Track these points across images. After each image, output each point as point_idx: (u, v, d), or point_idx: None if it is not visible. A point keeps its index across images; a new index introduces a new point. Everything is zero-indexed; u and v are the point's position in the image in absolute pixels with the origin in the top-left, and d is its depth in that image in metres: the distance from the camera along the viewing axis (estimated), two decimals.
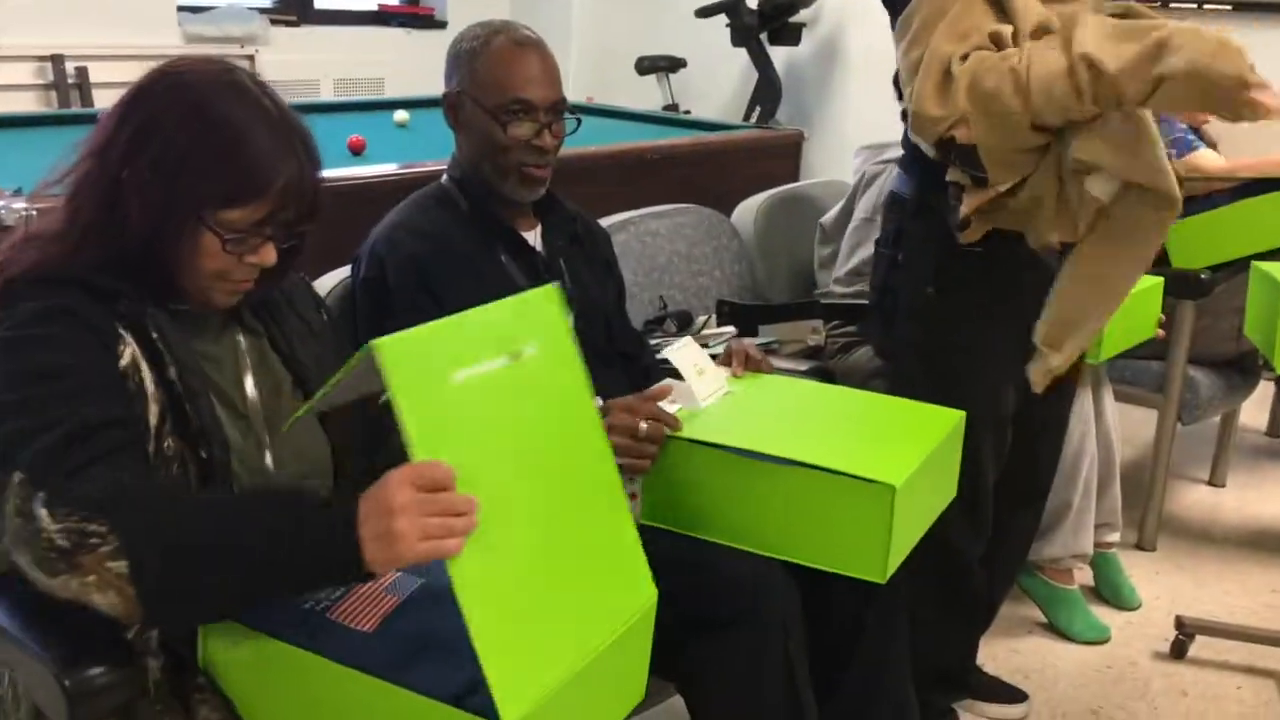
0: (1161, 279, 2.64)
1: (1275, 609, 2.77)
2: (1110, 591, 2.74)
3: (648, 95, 5.98)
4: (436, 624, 1.17)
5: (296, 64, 5.73)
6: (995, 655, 2.46)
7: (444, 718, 1.11)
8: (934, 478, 1.62)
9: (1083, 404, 2.50)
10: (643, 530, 1.60)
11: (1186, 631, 2.53)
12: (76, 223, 1.24)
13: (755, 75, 5.93)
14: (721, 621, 1.52)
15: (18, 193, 2.48)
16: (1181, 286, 2.78)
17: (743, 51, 5.93)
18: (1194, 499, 3.36)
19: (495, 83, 1.74)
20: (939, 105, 1.68)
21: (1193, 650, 2.53)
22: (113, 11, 5.10)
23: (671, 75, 6.09)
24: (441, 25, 6.48)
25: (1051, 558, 2.55)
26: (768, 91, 5.88)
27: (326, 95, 5.82)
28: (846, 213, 2.59)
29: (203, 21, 5.47)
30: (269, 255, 1.26)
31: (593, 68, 6.74)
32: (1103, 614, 2.65)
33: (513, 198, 1.81)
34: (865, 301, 2.20)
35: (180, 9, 5.41)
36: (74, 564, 1.07)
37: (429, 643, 1.16)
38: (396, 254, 1.72)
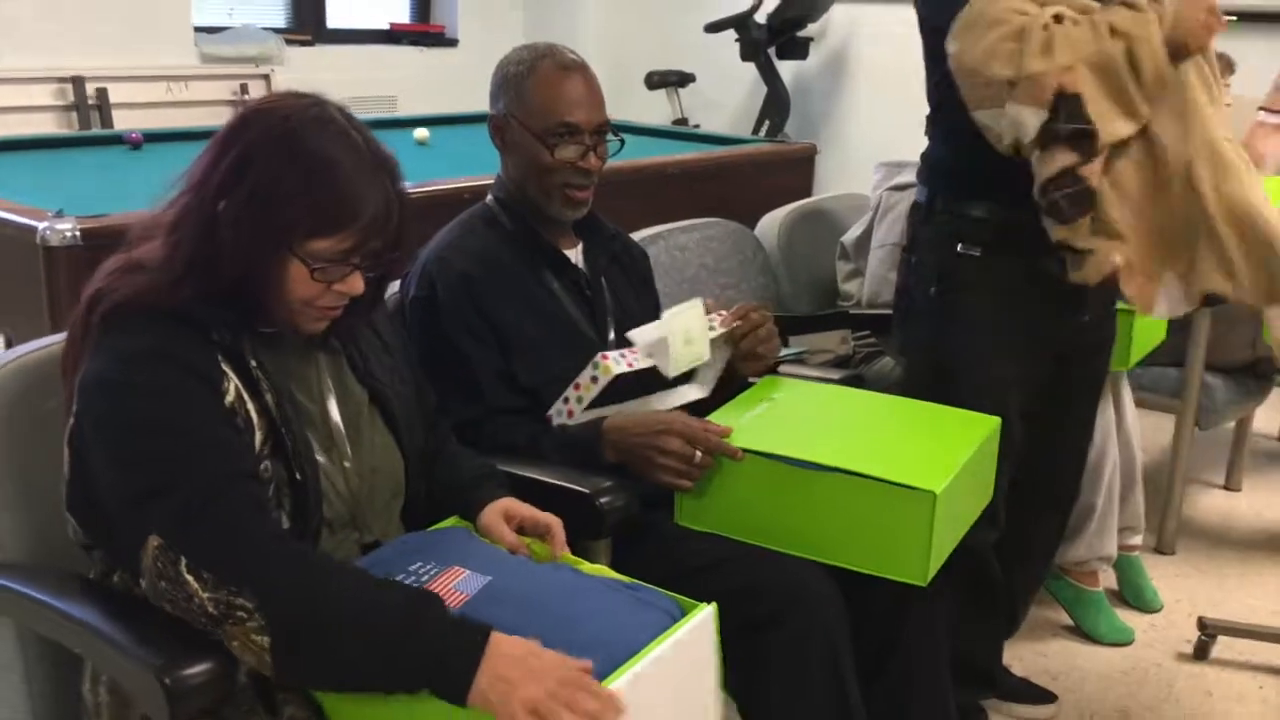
0: None
1: None
2: (1133, 594, 2.78)
3: (657, 110, 6.05)
4: (499, 621, 1.22)
5: (311, 83, 5.72)
6: (1023, 657, 2.50)
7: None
8: (971, 482, 1.67)
9: (1104, 410, 2.55)
10: (687, 536, 1.67)
11: (1209, 632, 2.58)
12: (178, 255, 1.28)
13: (764, 89, 6.00)
14: (769, 623, 1.56)
15: (59, 214, 2.54)
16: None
17: (751, 66, 6.00)
18: (1210, 503, 3.41)
19: (542, 106, 1.79)
20: (1042, 60, 1.72)
21: (1215, 651, 2.58)
22: (131, 33, 5.16)
23: (681, 90, 6.16)
24: (452, 43, 6.56)
25: (1076, 560, 2.59)
26: (776, 105, 5.95)
27: None
28: (867, 233, 2.65)
29: (219, 42, 5.53)
30: (356, 284, 1.31)
31: (603, 83, 6.80)
32: (1126, 616, 2.70)
33: (557, 217, 1.86)
34: (889, 312, 2.27)
35: (197, 29, 5.47)
36: (221, 630, 1.15)
37: None
38: (447, 274, 1.77)
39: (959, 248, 1.95)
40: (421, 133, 4.15)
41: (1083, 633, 2.65)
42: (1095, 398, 2.22)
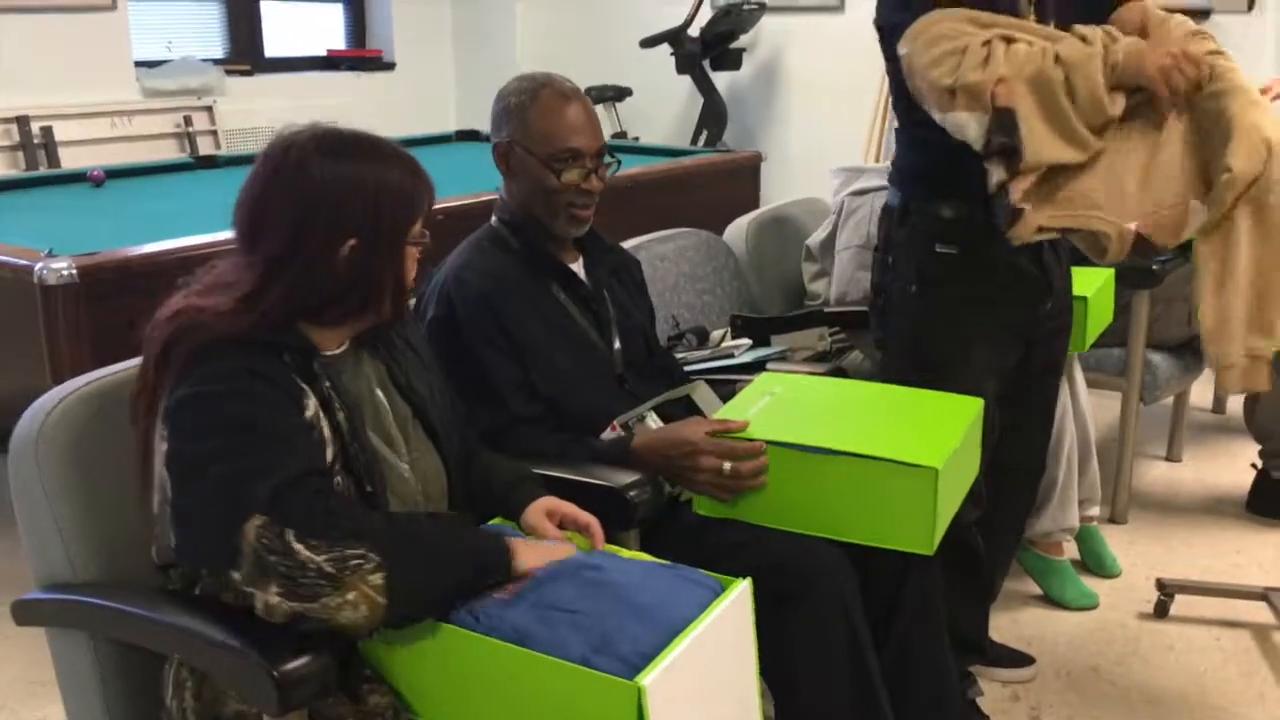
0: (1113, 271, 2.89)
1: (1241, 567, 3.02)
2: (1094, 561, 2.97)
3: None
4: (564, 596, 1.37)
5: (253, 112, 5.85)
6: (999, 626, 2.66)
7: (585, 680, 1.28)
8: (964, 459, 1.82)
9: (1061, 390, 2.73)
10: (707, 524, 1.80)
11: (1167, 592, 2.77)
12: (268, 288, 1.40)
13: (700, 101, 6.15)
14: (790, 600, 1.69)
15: (51, 253, 2.60)
16: (1136, 278, 3.03)
17: (686, 78, 6.15)
18: (1155, 474, 3.62)
19: (547, 134, 1.92)
20: (978, 72, 1.86)
21: (1173, 609, 2.77)
22: (73, 71, 5.18)
23: (618, 104, 6.29)
24: (390, 67, 6.63)
25: (1043, 533, 2.77)
26: (714, 116, 6.11)
27: None
28: (831, 236, 2.81)
29: (160, 75, 5.55)
30: (427, 240, 1.52)
31: None
32: (1089, 582, 2.88)
33: (562, 235, 1.98)
34: (864, 309, 2.42)
35: (138, 64, 5.49)
36: (340, 584, 1.26)
37: (554, 608, 1.36)
38: (466, 294, 1.89)
39: (936, 247, 2.10)
40: None
41: (1051, 600, 2.83)
42: (1058, 379, 2.39)
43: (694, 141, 6.06)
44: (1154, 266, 3.03)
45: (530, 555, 1.43)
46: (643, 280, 2.21)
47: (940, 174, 2.11)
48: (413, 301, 1.99)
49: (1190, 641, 2.67)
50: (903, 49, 1.95)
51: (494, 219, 2.02)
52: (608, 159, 1.98)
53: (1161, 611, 2.77)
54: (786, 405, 1.88)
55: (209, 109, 5.70)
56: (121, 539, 1.51)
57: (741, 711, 1.47)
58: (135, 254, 2.69)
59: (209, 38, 6.06)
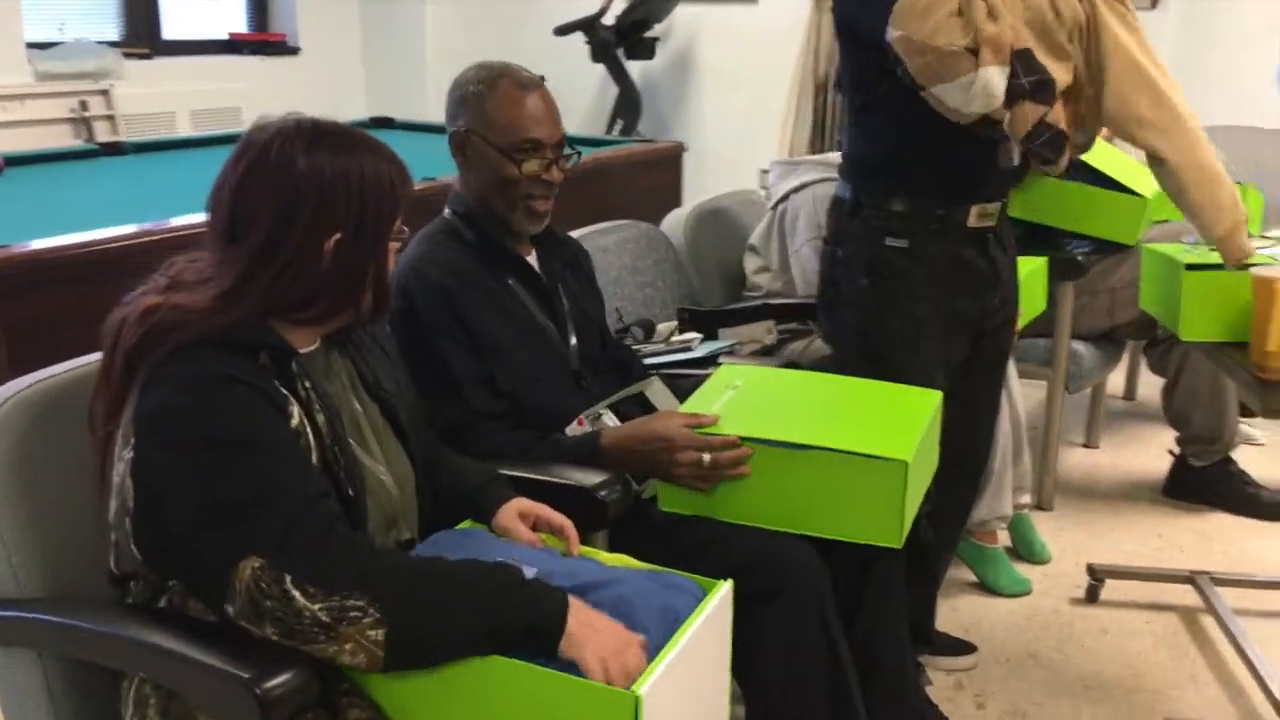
0: (1045, 260, 2.94)
1: (1164, 550, 3.10)
2: (1025, 548, 3.02)
3: None
4: None
5: (151, 97, 5.64)
6: (939, 615, 2.68)
7: (580, 690, 1.25)
8: (927, 451, 1.82)
9: None
10: (674, 522, 1.77)
11: (1098, 577, 2.83)
12: (248, 285, 1.33)
13: (613, 89, 6.12)
14: (762, 598, 1.68)
15: None
16: (1061, 269, 3.08)
17: (600, 67, 6.11)
18: (1075, 461, 3.70)
19: (506, 123, 1.87)
20: (992, 24, 1.84)
21: (1104, 594, 2.83)
22: None
23: None
24: (294, 51, 6.45)
25: (979, 521, 2.80)
26: (628, 105, 6.08)
27: (184, 128, 5.73)
28: (776, 233, 2.80)
29: (53, 58, 5.31)
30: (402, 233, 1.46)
31: (448, 90, 6.83)
32: (1021, 569, 2.93)
33: (519, 230, 1.93)
34: (810, 301, 2.42)
35: (29, 46, 5.25)
36: (335, 635, 1.20)
37: None
38: (425, 286, 1.83)
39: (887, 240, 2.10)
40: None
41: (985, 587, 2.87)
42: (1003, 370, 2.42)
43: (608, 131, 6.02)
44: (1079, 258, 3.09)
45: (586, 622, 1.29)
46: (593, 272, 2.17)
47: (892, 167, 2.12)
48: None
49: (1122, 625, 2.73)
50: (894, 33, 1.90)
51: (447, 211, 1.97)
52: (568, 150, 1.94)
53: (1093, 596, 2.83)
54: (750, 399, 1.86)
55: (105, 93, 5.47)
56: (70, 550, 1.43)
57: (713, 710, 1.46)
58: (46, 248, 2.56)
59: (104, 19, 5.82)
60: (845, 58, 2.14)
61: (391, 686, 1.31)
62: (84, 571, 1.42)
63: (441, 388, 1.80)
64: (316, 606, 1.19)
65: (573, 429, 1.88)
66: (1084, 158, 2.91)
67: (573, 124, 6.55)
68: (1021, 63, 1.87)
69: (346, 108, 5.99)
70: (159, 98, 5.68)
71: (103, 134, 5.28)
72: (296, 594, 1.19)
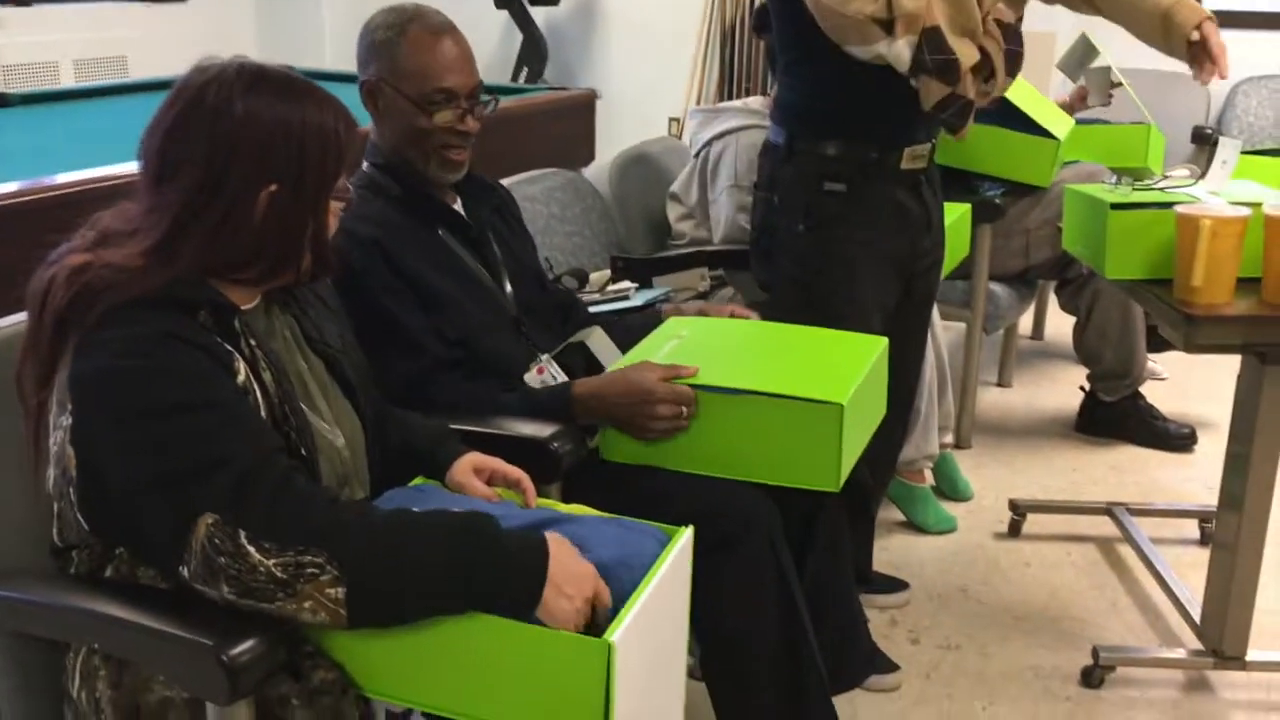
0: (969, 206, 2.99)
1: (1079, 484, 3.20)
2: (948, 486, 3.09)
3: None
4: None
5: (32, 45, 5.38)
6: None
7: (551, 641, 1.23)
8: (870, 397, 1.84)
9: None
10: (625, 473, 1.76)
11: (1019, 512, 2.91)
12: (181, 237, 1.26)
13: (518, 36, 6.02)
14: (720, 546, 1.68)
15: None
16: (980, 211, 3.13)
17: (504, 14, 6.00)
18: (989, 399, 3.78)
19: (417, 72, 1.80)
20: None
21: (1025, 528, 2.91)
22: None
23: None
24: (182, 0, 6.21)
25: (906, 460, 2.84)
26: (533, 52, 5.98)
27: (68, 79, 5.48)
28: (698, 180, 2.79)
29: None
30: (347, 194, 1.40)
31: (349, 41, 6.65)
32: (946, 507, 2.99)
33: (436, 180, 1.88)
34: (741, 247, 2.41)
35: None
36: (293, 593, 1.15)
37: None
38: (356, 244, 1.76)
39: (825, 185, 2.10)
40: None
41: (914, 526, 2.93)
42: (929, 311, 2.45)
43: (514, 78, 5.93)
44: (996, 200, 3.14)
45: (564, 584, 1.25)
46: (520, 216, 2.13)
47: (825, 111, 2.12)
48: None
49: (1044, 558, 2.81)
50: None
51: (365, 164, 1.90)
52: (484, 98, 1.89)
53: (1015, 531, 2.90)
54: (694, 347, 1.85)
55: None
56: (3, 523, 1.37)
57: (673, 655, 1.46)
58: None
59: None
60: (775, 7, 2.12)
61: (352, 645, 1.28)
62: (19, 543, 1.36)
63: (391, 342, 1.75)
64: (272, 563, 1.15)
65: (532, 377, 1.85)
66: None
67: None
68: (929, 41, 1.88)
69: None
70: (40, 47, 5.42)
71: None
72: (251, 550, 1.15)
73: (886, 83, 1.98)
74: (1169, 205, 2.12)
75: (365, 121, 1.66)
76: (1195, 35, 2.11)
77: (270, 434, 1.27)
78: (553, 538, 1.27)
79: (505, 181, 2.49)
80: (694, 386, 1.71)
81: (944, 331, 3.06)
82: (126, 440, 1.19)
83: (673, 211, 2.85)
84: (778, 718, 1.72)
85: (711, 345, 1.88)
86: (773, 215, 2.22)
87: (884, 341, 1.91)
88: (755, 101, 2.85)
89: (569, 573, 1.25)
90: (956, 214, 2.80)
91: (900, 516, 2.95)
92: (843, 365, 1.81)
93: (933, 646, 2.44)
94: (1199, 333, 2.03)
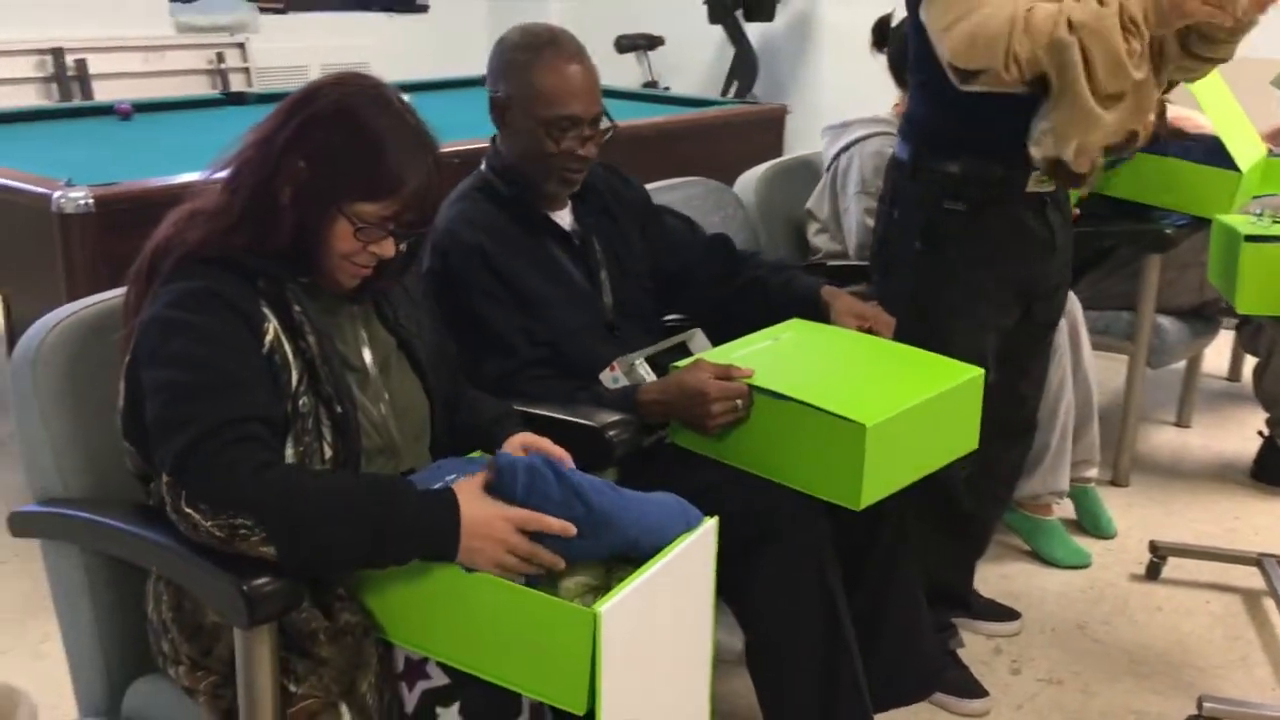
0: None
1: (1237, 532, 3.03)
2: (1090, 522, 2.99)
3: (627, 73, 6.17)
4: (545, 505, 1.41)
5: (285, 51, 5.89)
6: (987, 580, 2.69)
7: (544, 606, 1.32)
8: (930, 424, 1.80)
9: (1061, 354, 2.73)
10: (681, 466, 1.84)
11: (1160, 554, 2.78)
12: (236, 204, 1.43)
13: (731, 51, 6.13)
14: (762, 541, 1.73)
15: (70, 183, 2.65)
16: (1149, 241, 3.02)
17: (719, 28, 6.13)
18: (1163, 439, 3.62)
19: (546, 96, 1.90)
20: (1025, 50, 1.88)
21: (1165, 571, 2.78)
22: (108, 4, 5.23)
23: (650, 53, 6.28)
24: (423, 9, 6.65)
25: (1031, 494, 2.78)
26: (745, 66, 6.09)
27: None
28: (829, 194, 2.81)
29: (193, 11, 5.60)
30: (388, 249, 1.46)
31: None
32: (1083, 543, 2.90)
33: (553, 194, 2.00)
34: (865, 264, 2.43)
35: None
36: (231, 548, 1.30)
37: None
38: (459, 246, 1.90)
39: (944, 204, 2.10)
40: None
41: (1041, 558, 2.85)
42: (1052, 336, 2.39)
43: (724, 92, 6.05)
44: (1167, 231, 3.01)
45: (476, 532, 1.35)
46: (646, 205, 2.20)
47: (951, 129, 2.11)
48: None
49: (1179, 604, 2.68)
50: (924, 14, 1.96)
51: (484, 166, 2.04)
52: (604, 125, 1.99)
53: (1153, 573, 2.79)
54: (781, 350, 1.90)
55: (241, 46, 5.75)
56: (111, 455, 1.57)
57: (693, 645, 1.51)
58: (153, 185, 2.74)
59: None
60: (911, 26, 2.13)
61: (379, 594, 1.42)
62: (122, 475, 1.55)
63: (484, 342, 1.89)
64: (209, 524, 1.29)
65: (604, 375, 1.95)
66: (1201, 101, 2.82)
67: (688, 85, 6.63)
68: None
69: (470, 66, 6.15)
70: (291, 52, 5.93)
71: (237, 86, 5.55)
72: (190, 510, 1.30)
73: (1014, 103, 1.97)
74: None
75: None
76: None
77: (255, 399, 1.37)
78: (461, 488, 1.37)
79: (647, 188, 2.60)
80: (749, 385, 1.77)
81: (1100, 363, 2.97)
82: (151, 379, 1.37)
83: (809, 228, 2.89)
84: (811, 718, 1.75)
85: (800, 350, 1.92)
86: (891, 230, 2.23)
87: (978, 372, 1.88)
88: (883, 112, 2.86)
89: (477, 520, 1.34)
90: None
91: (1029, 547, 2.88)
92: (906, 389, 1.79)
93: (1033, 679, 2.39)
94: None
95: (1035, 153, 1.98)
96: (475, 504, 1.36)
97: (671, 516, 1.49)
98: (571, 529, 1.38)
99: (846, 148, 2.76)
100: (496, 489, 1.40)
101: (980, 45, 1.89)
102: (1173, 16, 1.85)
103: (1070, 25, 1.86)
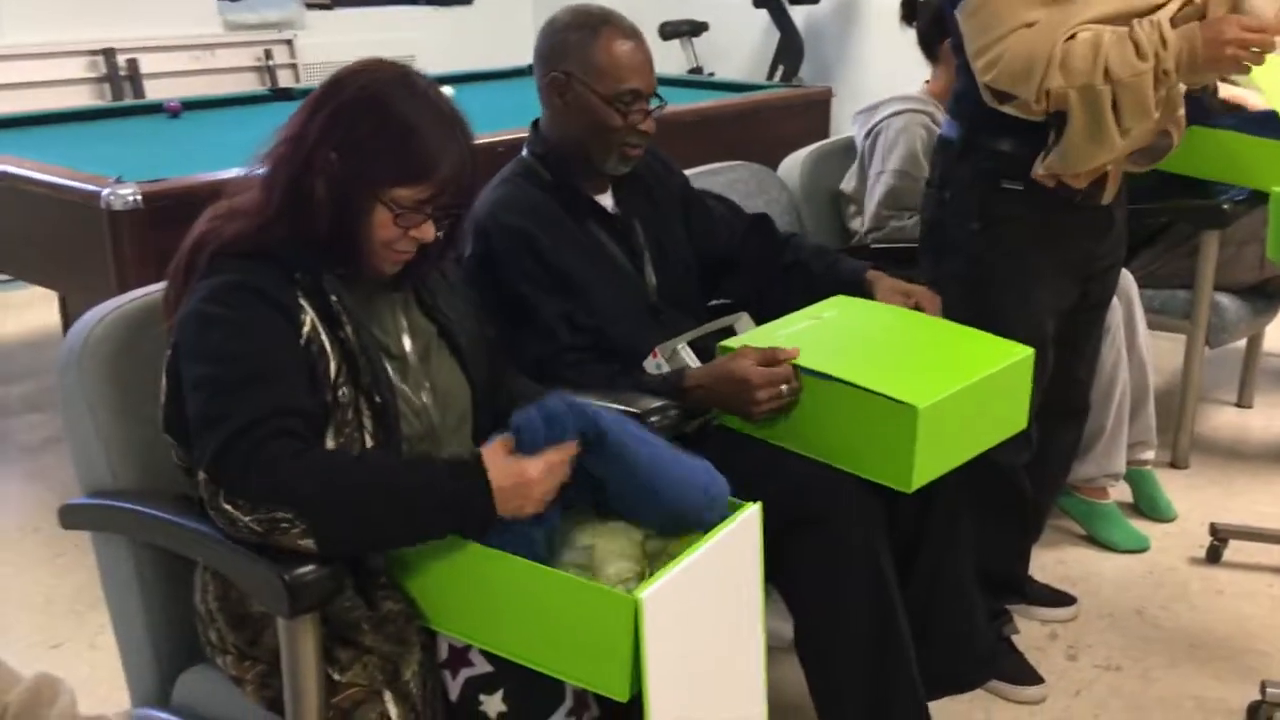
0: None
1: None
2: (1148, 505, 2.93)
3: (672, 59, 6.14)
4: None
5: (332, 46, 5.92)
6: (1044, 566, 2.65)
7: (587, 592, 1.31)
8: (982, 406, 1.77)
9: (1116, 334, 2.68)
10: (728, 448, 1.82)
11: (1220, 537, 2.72)
12: (273, 199, 1.43)
13: (776, 35, 6.08)
14: (810, 523, 1.71)
15: (120, 180, 2.69)
16: (1206, 217, 2.95)
17: (763, 12, 6.08)
18: (1223, 420, 3.54)
19: (611, 71, 1.91)
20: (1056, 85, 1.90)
21: (1226, 554, 2.72)
22: (158, 4, 5.29)
23: (694, 39, 6.24)
24: (467, 1, 6.65)
25: (1086, 478, 2.73)
26: (790, 50, 6.03)
27: None
28: (858, 175, 2.79)
29: (241, 9, 5.65)
30: (428, 232, 1.46)
31: None
32: (1141, 526, 2.84)
33: (611, 172, 1.99)
34: (913, 245, 2.39)
35: None
36: (270, 542, 1.30)
37: None
38: (502, 230, 1.90)
39: (1002, 183, 2.05)
40: (448, 90, 4.26)
41: (1099, 543, 2.80)
42: (1104, 314, 2.35)
43: (770, 76, 6.00)
44: (1225, 206, 2.94)
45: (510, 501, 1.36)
46: (686, 191, 2.19)
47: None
48: None
49: (1240, 587, 2.62)
50: (963, 26, 1.95)
51: (525, 151, 2.03)
52: (656, 102, 1.98)
53: (1214, 556, 2.72)
54: (826, 329, 1.87)
55: (289, 43, 5.80)
56: (158, 447, 1.58)
57: (743, 632, 1.50)
58: (200, 181, 2.76)
59: None
60: (950, 5, 2.09)
61: (421, 583, 1.41)
62: (169, 467, 1.56)
63: (526, 325, 1.89)
64: (248, 519, 1.29)
65: (647, 361, 1.94)
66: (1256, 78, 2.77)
67: (733, 70, 6.59)
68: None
69: (516, 57, 6.16)
70: (339, 47, 5.95)
71: (285, 82, 5.60)
72: (228, 507, 1.30)
73: None
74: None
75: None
76: None
77: (292, 392, 1.37)
78: (487, 450, 1.37)
79: (689, 172, 2.59)
80: (795, 366, 1.74)
81: (1158, 342, 2.91)
82: (189, 374, 1.37)
83: (844, 211, 2.86)
84: (862, 705, 1.73)
85: (845, 328, 1.89)
86: (943, 212, 2.18)
87: (1029, 351, 1.84)
88: (912, 89, 2.83)
89: (507, 473, 1.35)
90: None
91: (1085, 531, 2.83)
92: (957, 369, 1.76)
93: (1090, 665, 2.35)
94: None
95: (1040, 169, 1.99)
96: (501, 460, 1.36)
97: (694, 475, 1.49)
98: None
99: (874, 127, 2.73)
100: (520, 446, 1.40)
101: (1017, 74, 1.91)
102: (1206, 70, 1.89)
103: (1106, 74, 1.86)
